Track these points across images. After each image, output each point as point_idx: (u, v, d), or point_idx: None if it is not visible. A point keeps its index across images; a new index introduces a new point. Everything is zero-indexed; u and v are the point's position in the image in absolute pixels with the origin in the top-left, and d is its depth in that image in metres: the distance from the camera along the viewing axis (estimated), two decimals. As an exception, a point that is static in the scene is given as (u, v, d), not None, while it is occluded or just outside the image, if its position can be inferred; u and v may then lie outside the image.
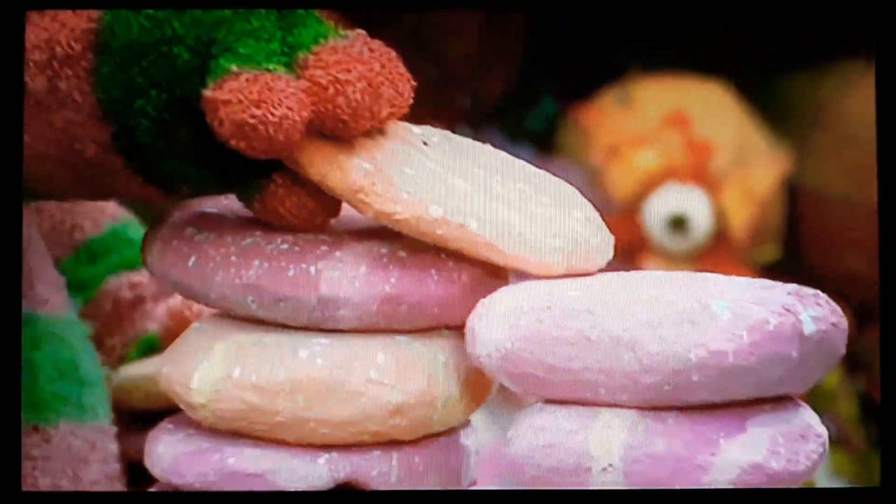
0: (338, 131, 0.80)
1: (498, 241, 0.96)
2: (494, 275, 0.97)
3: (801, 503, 0.98)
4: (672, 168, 2.08)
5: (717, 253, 2.10)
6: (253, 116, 0.75)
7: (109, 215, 1.25)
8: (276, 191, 0.84)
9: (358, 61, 0.81)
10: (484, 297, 0.99)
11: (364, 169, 1.02)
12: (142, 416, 1.14)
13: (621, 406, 0.93)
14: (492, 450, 1.16)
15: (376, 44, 0.83)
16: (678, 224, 2.04)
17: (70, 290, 1.12)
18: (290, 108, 0.76)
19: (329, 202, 0.89)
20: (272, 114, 0.76)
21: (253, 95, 0.76)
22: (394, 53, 0.78)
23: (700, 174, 2.10)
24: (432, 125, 1.93)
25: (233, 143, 0.75)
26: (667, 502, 0.98)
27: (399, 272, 0.99)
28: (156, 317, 1.20)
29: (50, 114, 0.84)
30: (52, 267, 1.08)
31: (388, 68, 0.81)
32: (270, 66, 0.77)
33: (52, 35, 0.83)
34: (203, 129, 0.78)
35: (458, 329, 0.99)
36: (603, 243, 0.96)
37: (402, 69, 0.81)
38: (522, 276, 1.02)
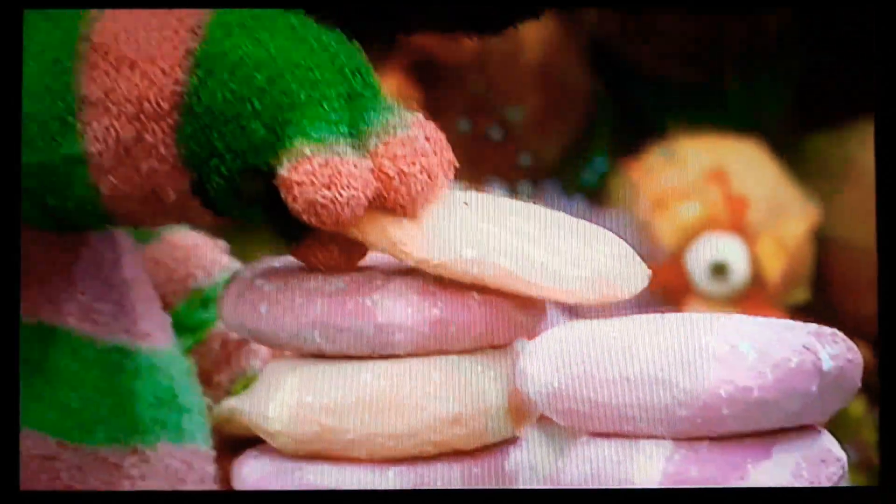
0: (393, 210, 0.91)
1: (524, 273, 1.07)
2: (531, 301, 1.08)
3: (800, 503, 1.05)
4: (712, 219, 2.16)
5: (753, 297, 2.15)
6: (324, 197, 0.84)
7: (220, 266, 1.34)
8: (311, 244, 0.94)
9: (421, 154, 0.89)
10: (522, 320, 1.12)
11: (403, 226, 1.12)
12: (241, 442, 1.23)
13: (659, 437, 1.04)
14: (546, 479, 1.25)
15: (431, 129, 0.92)
16: (718, 270, 2.12)
17: (183, 332, 1.24)
18: (356, 189, 0.85)
19: (357, 253, 1.00)
20: (340, 195, 0.84)
21: (324, 178, 0.84)
22: (445, 139, 0.88)
23: (738, 225, 2.16)
24: (496, 181, 1.97)
25: (304, 217, 0.85)
26: (667, 502, 1.08)
27: (445, 298, 1.10)
28: (258, 355, 1.29)
29: (137, 161, 0.92)
30: (158, 306, 1.18)
31: (441, 157, 0.91)
32: (340, 150, 0.85)
33: (142, 92, 0.90)
34: (266, 192, 0.90)
35: (501, 348, 1.12)
36: (633, 274, 1.07)
37: (451, 155, 0.91)
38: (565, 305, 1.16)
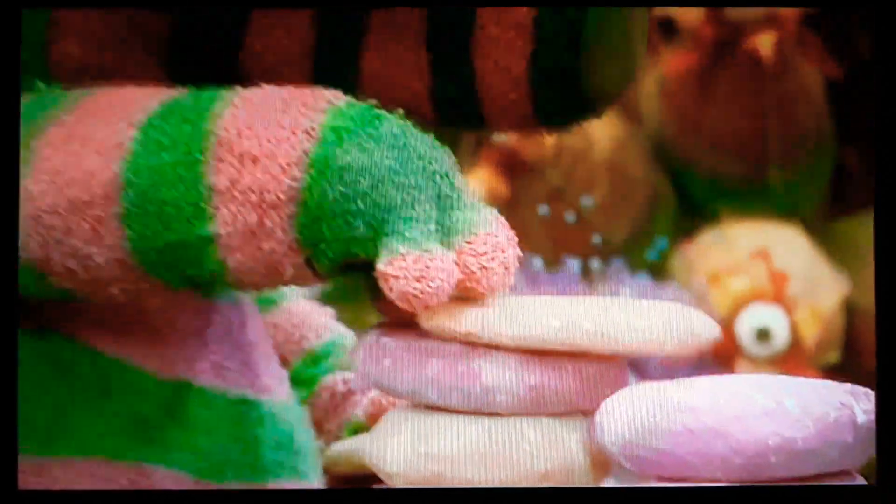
0: (471, 298, 0.97)
1: (611, 332, 1.11)
2: (617, 368, 1.12)
3: (799, 501, 1.06)
4: (758, 292, 2.31)
5: (792, 359, 2.29)
6: (414, 288, 0.89)
7: (328, 330, 1.43)
8: (386, 302, 0.95)
9: (500, 250, 0.94)
10: (608, 387, 1.14)
11: (489, 308, 1.17)
12: (347, 481, 1.38)
13: (717, 481, 1.09)
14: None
15: (506, 226, 0.98)
16: (763, 336, 2.26)
17: (298, 386, 1.33)
18: (442, 281, 0.89)
19: None
20: (429, 287, 0.90)
21: (415, 272, 0.89)
22: (515, 236, 0.93)
23: (779, 297, 2.31)
24: (572, 258, 2.12)
25: (398, 303, 0.91)
26: (667, 502, 1.12)
27: (542, 366, 1.12)
28: (361, 405, 1.35)
29: (259, 241, 0.97)
30: (277, 363, 1.28)
31: (516, 251, 0.96)
32: (429, 246, 0.90)
33: (263, 185, 0.95)
34: (362, 269, 0.95)
35: (587, 414, 1.12)
36: (706, 325, 1.11)
37: (519, 249, 0.95)
38: (637, 367, 1.34)
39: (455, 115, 1.16)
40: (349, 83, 1.06)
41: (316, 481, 1.36)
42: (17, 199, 1.05)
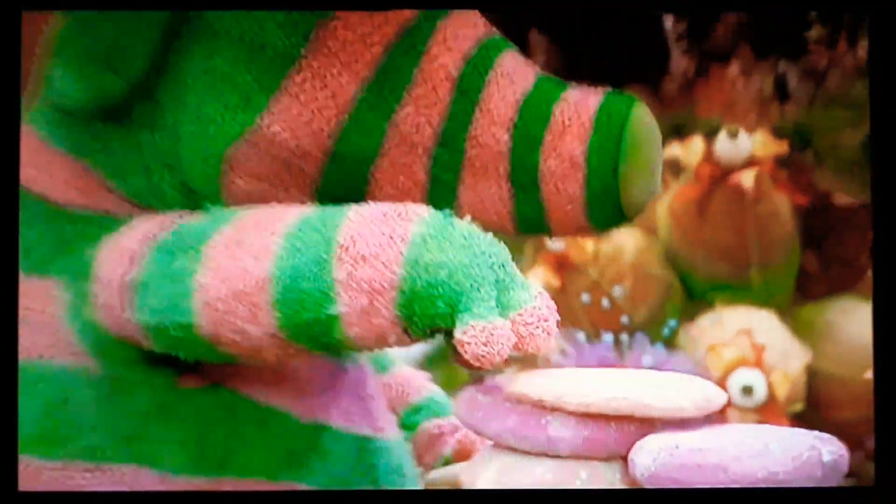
0: (521, 353, 1.06)
1: (649, 402, 1.35)
2: (647, 425, 1.31)
3: (799, 502, 1.18)
4: (742, 359, 2.64)
5: (769, 409, 2.60)
6: (482, 351, 1.00)
7: (427, 389, 1.65)
8: (464, 361, 1.04)
9: (543, 320, 1.08)
10: (640, 437, 1.36)
11: (544, 385, 1.40)
12: None
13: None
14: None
15: (550, 301, 1.11)
16: (747, 392, 2.57)
17: (404, 429, 1.52)
18: (503, 346, 1.01)
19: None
20: (493, 349, 1.01)
21: (483, 339, 1.01)
22: (556, 308, 1.04)
23: (759, 363, 2.63)
24: (607, 332, 2.55)
25: (471, 363, 1.02)
26: (668, 502, 1.25)
27: (593, 425, 1.35)
28: (450, 444, 1.55)
29: (369, 317, 1.11)
30: (387, 411, 1.47)
31: (556, 319, 1.10)
32: (492, 318, 1.02)
33: (372, 277, 1.07)
34: (446, 336, 1.06)
35: (624, 457, 1.34)
36: (717, 394, 1.36)
37: (559, 317, 1.07)
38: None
39: (528, 227, 1.30)
40: (450, 208, 1.13)
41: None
42: (17, 199, 1.11)
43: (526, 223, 1.30)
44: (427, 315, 1.08)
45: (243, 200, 1.27)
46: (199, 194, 1.30)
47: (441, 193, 1.30)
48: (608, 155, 1.23)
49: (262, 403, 1.31)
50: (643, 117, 1.24)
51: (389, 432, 1.43)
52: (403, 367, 1.62)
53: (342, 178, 1.30)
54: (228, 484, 1.28)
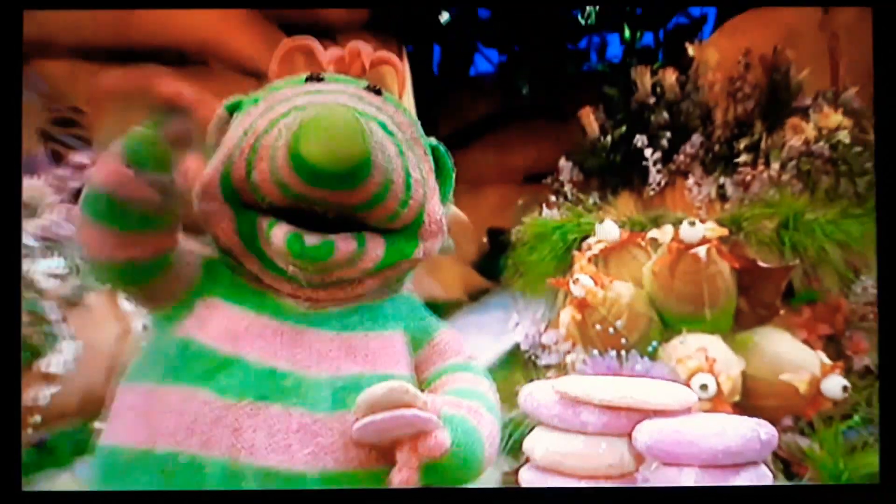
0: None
1: (648, 400, 1.86)
2: (645, 413, 1.74)
3: (803, 499, 1.01)
4: (700, 367, 2.59)
5: (717, 400, 2.53)
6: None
7: (456, 354, 1.50)
8: None
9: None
10: (641, 422, 1.82)
11: (579, 386, 1.86)
12: None
13: (688, 465, 1.81)
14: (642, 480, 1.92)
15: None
16: (703, 388, 2.52)
17: (426, 385, 1.43)
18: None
19: None
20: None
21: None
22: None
23: (711, 370, 2.58)
24: (612, 350, 2.65)
25: None
26: (671, 501, 1.22)
27: (611, 414, 1.83)
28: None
29: None
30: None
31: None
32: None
33: None
34: None
35: (630, 435, 1.79)
36: (691, 394, 1.94)
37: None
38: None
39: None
40: None
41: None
42: (19, 200, 0.80)
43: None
44: None
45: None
46: None
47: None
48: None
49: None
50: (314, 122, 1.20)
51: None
52: (448, 333, 1.47)
53: None
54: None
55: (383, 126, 1.31)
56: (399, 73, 1.49)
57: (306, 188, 1.22)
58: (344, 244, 1.28)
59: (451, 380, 1.36)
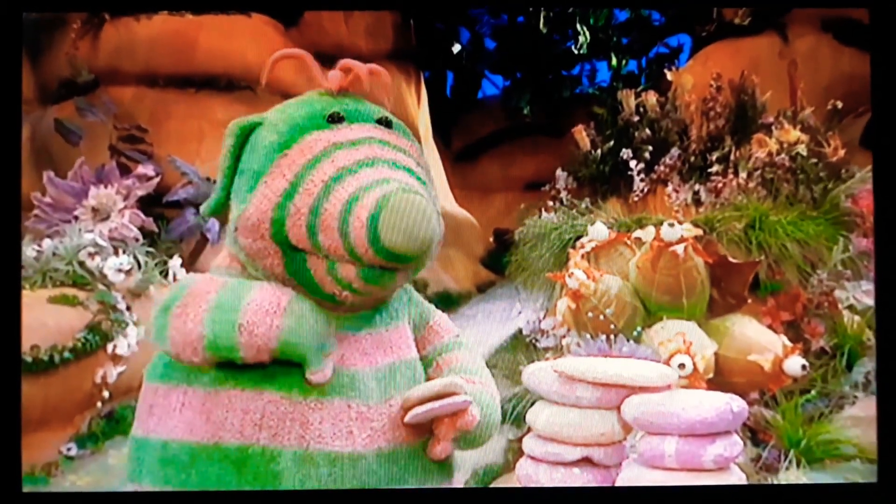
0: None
1: (634, 377, 1.77)
2: (632, 389, 1.65)
3: (802, 500, 0.96)
4: (679, 349, 2.48)
5: (694, 377, 2.43)
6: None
7: (448, 333, 1.56)
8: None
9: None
10: (629, 396, 1.75)
11: (574, 366, 1.77)
12: None
13: (669, 434, 1.74)
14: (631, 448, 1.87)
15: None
16: (681, 367, 2.42)
17: (426, 363, 1.48)
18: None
19: None
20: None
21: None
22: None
23: (688, 351, 2.48)
24: (602, 335, 2.28)
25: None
26: (671, 501, 1.16)
27: (602, 389, 1.76)
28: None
29: None
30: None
31: None
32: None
33: None
34: None
35: (619, 408, 1.70)
36: (670, 373, 1.82)
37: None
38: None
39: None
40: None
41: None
42: (19, 202, 0.74)
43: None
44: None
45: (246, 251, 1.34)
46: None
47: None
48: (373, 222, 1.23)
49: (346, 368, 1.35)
50: (394, 201, 1.21)
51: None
52: (440, 316, 1.50)
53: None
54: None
55: (417, 177, 1.32)
56: (385, 82, 1.47)
57: (380, 261, 1.24)
58: (402, 277, 1.32)
59: (453, 357, 1.42)
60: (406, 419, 1.23)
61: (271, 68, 1.47)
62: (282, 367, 1.27)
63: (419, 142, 1.45)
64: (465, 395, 1.23)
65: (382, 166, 1.29)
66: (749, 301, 2.93)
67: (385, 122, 1.40)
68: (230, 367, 1.27)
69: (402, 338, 1.38)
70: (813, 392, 2.86)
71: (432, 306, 1.50)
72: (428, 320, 1.46)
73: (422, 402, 1.23)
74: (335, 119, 1.39)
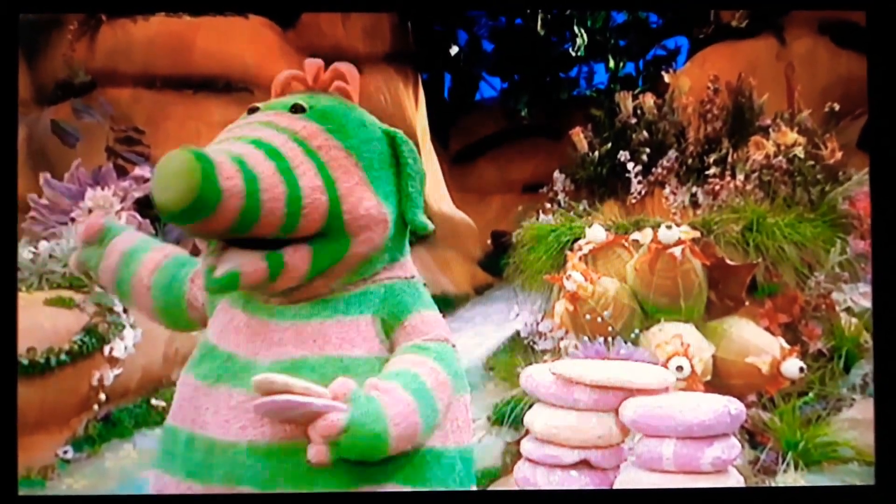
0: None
1: (630, 378, 1.77)
2: (629, 392, 1.64)
3: (800, 502, 0.92)
4: (676, 352, 2.57)
5: (692, 380, 2.53)
6: None
7: (425, 337, 1.42)
8: None
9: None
10: (627, 399, 1.76)
11: (573, 368, 1.78)
12: None
13: (667, 437, 1.72)
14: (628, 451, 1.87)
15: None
16: (679, 370, 2.52)
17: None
18: None
19: None
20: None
21: None
22: None
23: (686, 353, 2.56)
24: (600, 337, 2.57)
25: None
26: (671, 502, 1.15)
27: (599, 392, 1.77)
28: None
29: None
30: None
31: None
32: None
33: None
34: None
35: (617, 411, 1.70)
36: (668, 375, 1.81)
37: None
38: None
39: None
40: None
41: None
42: (16, 203, 0.72)
43: None
44: None
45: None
46: None
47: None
48: None
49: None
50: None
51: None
52: (419, 316, 1.40)
53: None
54: None
55: (268, 148, 1.27)
56: (349, 81, 1.42)
57: (173, 226, 1.27)
58: (251, 268, 1.25)
59: (395, 361, 1.30)
60: (254, 406, 1.16)
61: (282, 88, 1.45)
62: (209, 352, 1.32)
63: (417, 140, 1.38)
64: (310, 398, 1.13)
65: (234, 142, 1.26)
66: (746, 303, 2.94)
67: (297, 109, 1.36)
68: (197, 352, 1.36)
69: (347, 333, 1.31)
70: (810, 394, 2.85)
71: (420, 306, 1.40)
72: (401, 320, 1.36)
73: (268, 394, 1.15)
74: (251, 111, 1.40)
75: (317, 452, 1.13)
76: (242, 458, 1.21)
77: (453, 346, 1.39)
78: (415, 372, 1.28)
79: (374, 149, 1.38)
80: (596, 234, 3.14)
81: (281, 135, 1.30)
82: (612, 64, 6.91)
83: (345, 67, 1.42)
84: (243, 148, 1.24)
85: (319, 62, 1.41)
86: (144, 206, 3.66)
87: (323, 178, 1.29)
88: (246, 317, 1.34)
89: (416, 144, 1.47)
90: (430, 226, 1.41)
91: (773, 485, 2.37)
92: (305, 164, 1.28)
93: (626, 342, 2.54)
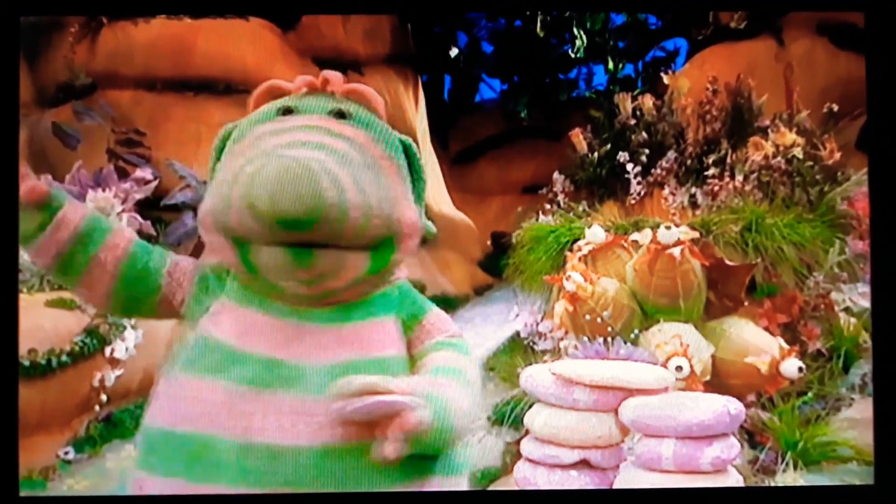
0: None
1: (632, 380, 1.83)
2: (629, 392, 1.70)
3: (799, 502, 0.92)
4: (676, 352, 2.56)
5: (691, 380, 2.53)
6: None
7: (443, 334, 1.41)
8: None
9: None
10: (627, 399, 1.84)
11: (572, 367, 1.84)
12: None
13: (666, 436, 1.80)
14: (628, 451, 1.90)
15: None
16: (679, 370, 2.50)
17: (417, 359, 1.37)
18: None
19: None
20: None
21: None
22: None
23: (685, 353, 2.56)
24: (600, 337, 2.56)
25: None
26: (668, 503, 1.12)
27: (599, 392, 1.85)
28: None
29: None
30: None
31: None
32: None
33: None
34: None
35: (616, 411, 1.80)
36: (666, 375, 1.92)
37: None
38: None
39: None
40: None
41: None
42: (17, 202, 0.71)
43: None
44: None
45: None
46: None
47: None
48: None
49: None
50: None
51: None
52: (435, 314, 1.42)
53: None
54: None
55: (339, 156, 1.27)
56: (372, 102, 1.40)
57: (267, 233, 1.21)
58: (323, 257, 1.27)
59: (434, 358, 1.33)
60: (342, 414, 1.17)
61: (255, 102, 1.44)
62: (236, 357, 1.27)
63: (417, 141, 1.39)
64: (397, 395, 1.15)
65: (301, 148, 1.26)
66: (745, 303, 2.96)
67: (338, 114, 1.36)
68: (197, 352, 1.29)
69: (379, 333, 1.33)
70: (810, 394, 2.87)
71: (431, 305, 1.43)
72: (420, 318, 1.39)
73: (350, 396, 1.16)
74: (285, 112, 1.37)
75: (395, 449, 1.14)
76: (313, 460, 1.21)
77: None
78: (460, 368, 1.32)
79: (402, 156, 1.40)
80: (595, 234, 3.16)
81: (338, 140, 1.30)
82: (611, 65, 6.96)
83: (364, 89, 1.42)
84: (322, 156, 1.25)
85: (337, 76, 1.41)
86: (145, 208, 3.66)
87: (382, 187, 1.31)
88: (270, 319, 1.31)
89: (417, 146, 1.46)
90: (435, 230, 1.43)
91: (773, 484, 2.39)
92: (367, 173, 1.30)
93: (625, 342, 2.53)
